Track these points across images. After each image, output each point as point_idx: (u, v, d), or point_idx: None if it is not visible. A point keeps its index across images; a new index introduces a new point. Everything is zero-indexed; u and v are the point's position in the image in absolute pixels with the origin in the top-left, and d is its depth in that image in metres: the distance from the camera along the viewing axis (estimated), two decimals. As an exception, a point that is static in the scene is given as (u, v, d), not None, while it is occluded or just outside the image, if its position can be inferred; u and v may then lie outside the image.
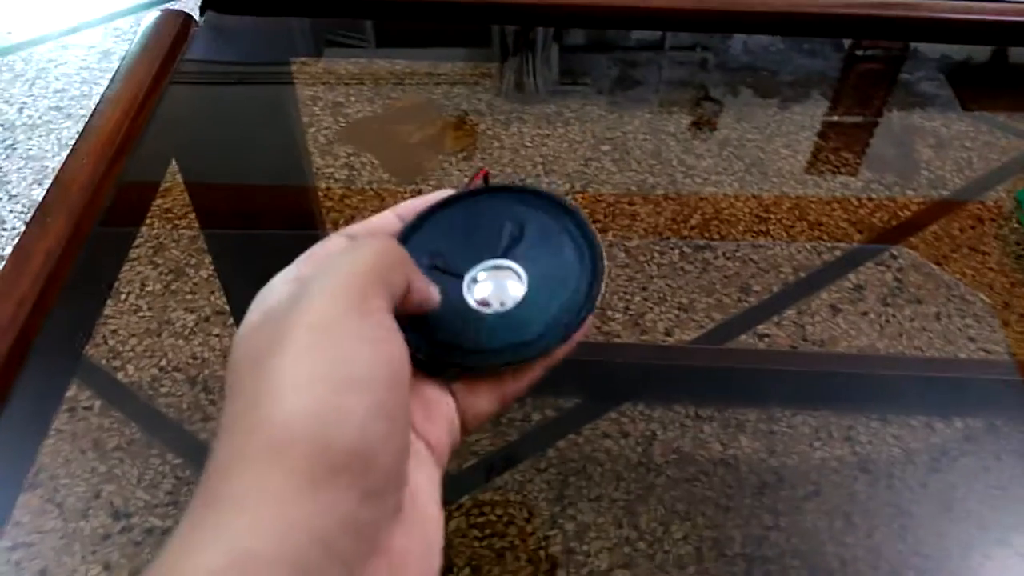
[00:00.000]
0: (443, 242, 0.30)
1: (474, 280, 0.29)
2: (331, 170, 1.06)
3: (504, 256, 0.30)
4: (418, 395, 0.27)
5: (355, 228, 0.29)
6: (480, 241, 0.30)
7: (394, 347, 0.23)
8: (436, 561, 0.24)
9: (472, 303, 0.29)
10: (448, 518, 0.72)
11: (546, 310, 0.29)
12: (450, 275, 0.29)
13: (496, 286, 0.29)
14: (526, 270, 0.29)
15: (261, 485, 0.20)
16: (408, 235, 0.30)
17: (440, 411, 0.27)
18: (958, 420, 0.74)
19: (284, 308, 0.23)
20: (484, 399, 0.28)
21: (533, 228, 0.30)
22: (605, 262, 0.29)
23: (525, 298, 0.29)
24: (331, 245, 0.28)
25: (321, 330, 0.22)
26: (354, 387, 0.22)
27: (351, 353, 0.22)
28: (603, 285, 0.29)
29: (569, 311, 0.29)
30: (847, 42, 1.17)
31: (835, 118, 1.13)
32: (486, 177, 0.33)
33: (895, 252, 0.97)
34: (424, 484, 0.25)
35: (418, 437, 0.26)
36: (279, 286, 0.26)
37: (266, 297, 0.25)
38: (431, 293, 0.27)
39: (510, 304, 0.29)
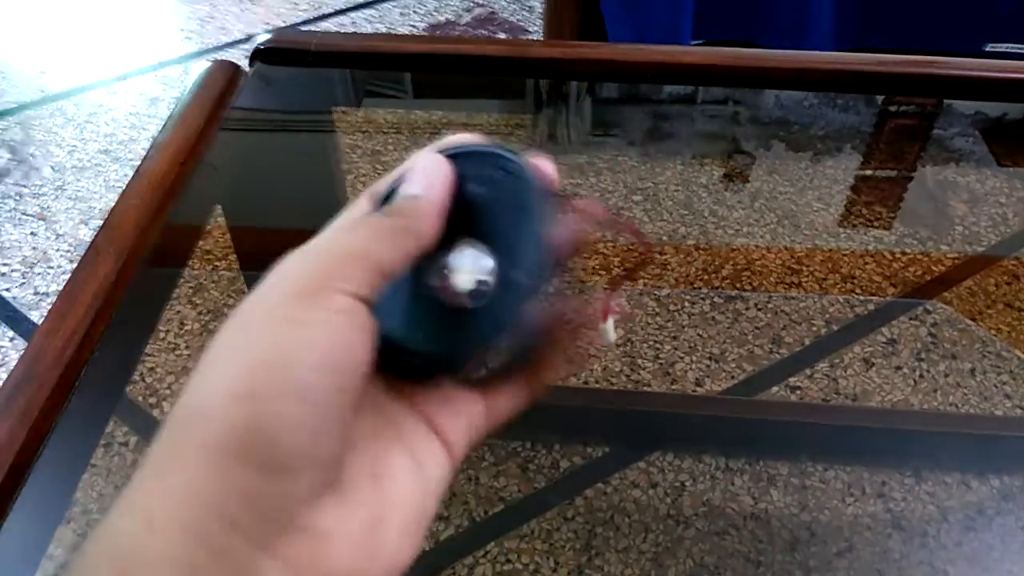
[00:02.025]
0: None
1: (448, 262, 0.25)
2: (367, 216, 1.08)
3: (473, 235, 0.26)
4: (438, 387, 0.26)
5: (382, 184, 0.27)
6: (455, 215, 0.26)
7: (334, 331, 0.23)
8: (385, 547, 0.23)
9: (457, 287, 0.25)
10: (474, 565, 0.72)
11: (508, 305, 0.25)
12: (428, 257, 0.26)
13: (471, 267, 0.25)
14: (494, 249, 0.25)
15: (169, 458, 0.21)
16: None
17: (460, 407, 0.26)
18: (994, 478, 0.73)
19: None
20: (511, 398, 0.27)
21: (498, 199, 0.26)
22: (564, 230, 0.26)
23: (495, 285, 0.25)
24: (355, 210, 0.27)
25: (250, 312, 0.23)
26: (267, 367, 0.22)
27: (273, 337, 0.23)
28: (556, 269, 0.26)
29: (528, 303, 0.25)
30: (880, 97, 1.17)
31: (868, 172, 1.14)
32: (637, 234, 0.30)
33: (929, 307, 0.97)
34: (399, 472, 0.24)
35: (429, 428, 0.25)
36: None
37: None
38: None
39: (485, 287, 0.25)
